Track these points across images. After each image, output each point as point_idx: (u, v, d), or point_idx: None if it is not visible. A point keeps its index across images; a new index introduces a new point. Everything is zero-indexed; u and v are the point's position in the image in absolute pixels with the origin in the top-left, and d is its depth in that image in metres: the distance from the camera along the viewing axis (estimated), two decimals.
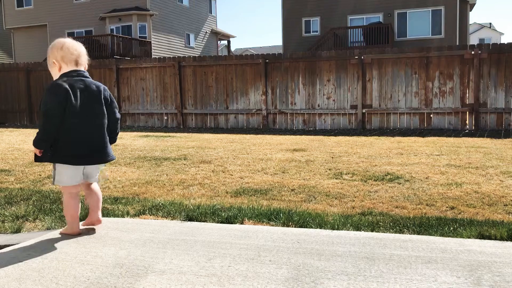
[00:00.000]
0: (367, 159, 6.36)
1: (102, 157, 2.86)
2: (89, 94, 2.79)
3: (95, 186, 3.00)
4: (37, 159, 2.81)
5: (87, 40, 24.66)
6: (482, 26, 56.36)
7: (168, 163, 6.21)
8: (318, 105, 12.30)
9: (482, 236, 2.84)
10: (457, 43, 23.43)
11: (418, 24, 24.63)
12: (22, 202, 4.01)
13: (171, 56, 22.01)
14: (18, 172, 5.58)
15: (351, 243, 2.69)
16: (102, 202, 3.43)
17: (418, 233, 2.96)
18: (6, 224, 3.36)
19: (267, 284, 2.12)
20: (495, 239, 2.80)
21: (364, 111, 11.86)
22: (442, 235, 2.90)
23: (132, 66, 14.21)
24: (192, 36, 32.18)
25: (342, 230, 3.02)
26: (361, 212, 3.55)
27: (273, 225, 3.20)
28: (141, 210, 3.63)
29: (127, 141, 9.21)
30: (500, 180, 4.73)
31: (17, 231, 3.23)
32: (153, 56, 26.86)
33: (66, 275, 2.26)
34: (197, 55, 26.51)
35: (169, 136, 10.53)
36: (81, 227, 3.00)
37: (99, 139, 2.84)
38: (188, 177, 5.14)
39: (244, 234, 2.91)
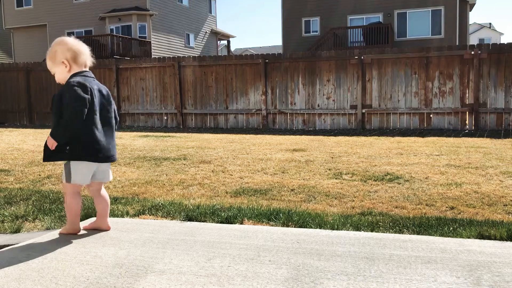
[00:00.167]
0: (367, 159, 6.36)
1: (114, 155, 2.92)
2: (101, 94, 2.87)
3: (105, 192, 3.02)
4: (49, 157, 2.76)
5: (87, 40, 24.61)
6: (482, 26, 56.38)
7: (168, 163, 6.21)
8: (318, 105, 12.30)
9: (481, 236, 2.84)
10: (457, 43, 23.44)
11: (418, 24, 24.64)
12: (21, 202, 4.01)
13: (171, 56, 22.01)
14: (18, 172, 5.58)
15: (351, 243, 2.69)
16: None
17: (418, 233, 2.96)
18: (5, 224, 3.36)
19: (267, 284, 2.12)
20: (495, 239, 2.80)
21: (364, 111, 11.86)
22: (441, 235, 2.90)
23: (131, 66, 14.20)
24: (192, 36, 32.18)
25: (341, 230, 3.02)
26: (360, 212, 3.55)
27: (272, 225, 3.20)
28: (141, 210, 3.63)
29: (127, 141, 9.21)
30: (500, 180, 4.73)
31: (17, 231, 3.23)
32: (152, 56, 26.86)
33: (66, 275, 2.26)
34: (197, 55, 26.49)
35: (169, 136, 10.53)
36: (82, 229, 3.00)
37: (111, 138, 2.91)
38: (188, 177, 5.14)
39: (244, 234, 2.91)
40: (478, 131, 10.61)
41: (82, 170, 2.80)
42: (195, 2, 32.48)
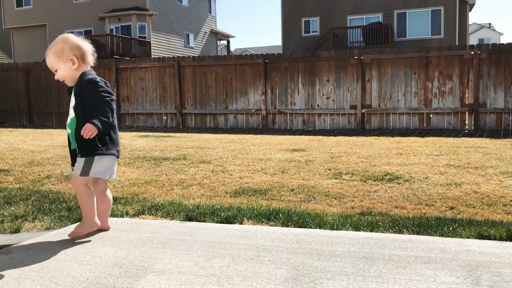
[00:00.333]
0: (367, 159, 6.36)
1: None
2: None
3: (109, 192, 3.02)
4: (91, 149, 2.71)
5: (87, 40, 24.62)
6: (481, 26, 56.42)
7: (168, 163, 6.21)
8: (318, 105, 12.30)
9: (481, 236, 2.84)
10: (457, 43, 23.45)
11: (418, 24, 24.66)
12: (21, 202, 4.00)
13: (171, 56, 22.00)
14: (17, 172, 5.58)
15: (350, 243, 2.69)
16: None
17: (418, 233, 2.96)
18: (5, 224, 3.36)
19: (266, 284, 2.12)
20: (495, 239, 2.80)
21: (363, 111, 11.86)
22: (441, 235, 2.90)
23: (131, 66, 14.20)
24: (191, 36, 32.18)
25: (341, 230, 3.02)
26: (360, 212, 3.55)
27: (272, 225, 3.20)
28: (140, 210, 3.63)
29: (127, 141, 9.21)
30: (500, 180, 4.73)
31: (16, 231, 3.23)
32: (152, 56, 26.86)
33: (65, 275, 2.26)
34: (196, 55, 26.51)
35: (169, 136, 10.53)
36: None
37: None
38: (188, 177, 5.14)
39: (244, 234, 2.91)
40: (478, 131, 10.61)
41: (106, 163, 2.80)
42: (195, 2, 32.48)
